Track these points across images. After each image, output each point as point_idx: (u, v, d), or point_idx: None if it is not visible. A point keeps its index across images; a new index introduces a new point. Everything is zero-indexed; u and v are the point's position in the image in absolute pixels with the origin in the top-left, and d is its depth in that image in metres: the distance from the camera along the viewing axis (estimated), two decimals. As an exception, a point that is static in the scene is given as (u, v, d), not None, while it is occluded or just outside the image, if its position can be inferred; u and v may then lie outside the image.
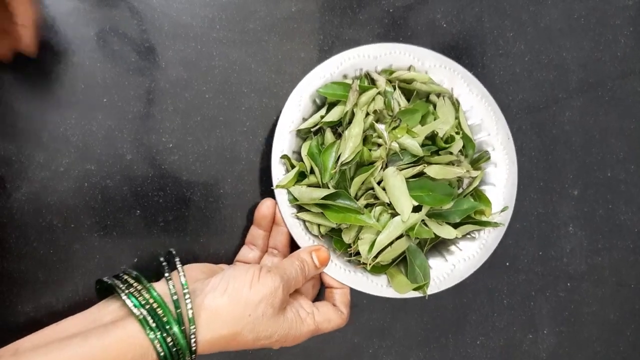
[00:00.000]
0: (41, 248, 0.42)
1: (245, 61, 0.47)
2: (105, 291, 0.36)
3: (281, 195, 0.42)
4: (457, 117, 0.45)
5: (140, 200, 0.44)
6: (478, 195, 0.46)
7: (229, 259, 0.45)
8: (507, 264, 0.52)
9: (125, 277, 0.35)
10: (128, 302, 0.32)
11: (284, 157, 0.42)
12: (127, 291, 0.33)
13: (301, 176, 0.43)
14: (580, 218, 0.54)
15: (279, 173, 0.42)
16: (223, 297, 0.34)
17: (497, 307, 0.51)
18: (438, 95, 0.46)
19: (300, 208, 0.43)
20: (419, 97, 0.46)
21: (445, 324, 0.50)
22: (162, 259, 0.37)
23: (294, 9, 0.49)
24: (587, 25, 0.56)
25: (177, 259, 0.36)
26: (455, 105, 0.46)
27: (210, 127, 0.46)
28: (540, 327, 0.52)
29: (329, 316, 0.40)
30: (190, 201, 0.45)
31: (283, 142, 0.43)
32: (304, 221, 0.43)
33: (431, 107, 0.45)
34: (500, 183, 0.46)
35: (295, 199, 0.42)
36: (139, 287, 0.33)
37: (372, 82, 0.45)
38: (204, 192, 0.45)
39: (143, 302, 0.32)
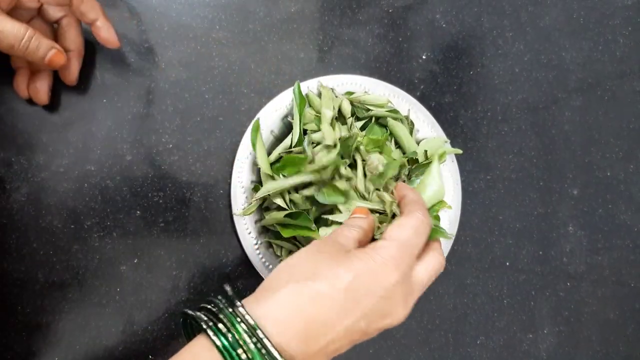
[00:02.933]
0: (41, 249, 0.42)
1: (245, 61, 0.47)
2: (190, 324, 0.32)
3: (241, 224, 0.43)
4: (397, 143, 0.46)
5: (140, 201, 0.44)
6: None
7: (229, 259, 0.45)
8: (507, 263, 0.52)
9: (214, 310, 0.29)
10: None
11: (255, 187, 0.43)
12: (220, 339, 0.27)
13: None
14: (579, 218, 0.54)
15: (239, 203, 0.43)
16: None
17: (497, 307, 0.51)
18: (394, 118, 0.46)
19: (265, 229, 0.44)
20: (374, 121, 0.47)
21: (445, 324, 0.50)
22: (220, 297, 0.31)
23: (293, 10, 0.49)
24: (586, 25, 0.56)
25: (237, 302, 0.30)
26: (410, 126, 0.47)
27: (210, 128, 0.46)
28: (540, 327, 0.52)
29: (395, 223, 0.33)
30: (190, 201, 0.45)
31: (242, 174, 0.43)
32: (269, 243, 0.44)
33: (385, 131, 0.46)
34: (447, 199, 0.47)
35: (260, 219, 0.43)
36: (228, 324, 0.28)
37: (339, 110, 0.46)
38: (204, 193, 0.45)
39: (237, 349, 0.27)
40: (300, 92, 0.44)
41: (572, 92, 0.55)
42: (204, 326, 0.27)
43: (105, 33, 0.40)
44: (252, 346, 0.26)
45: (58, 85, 0.43)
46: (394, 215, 0.38)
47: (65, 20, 0.41)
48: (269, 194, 0.41)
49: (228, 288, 0.30)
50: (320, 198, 0.40)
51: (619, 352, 0.54)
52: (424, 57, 0.51)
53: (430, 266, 0.33)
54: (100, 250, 0.43)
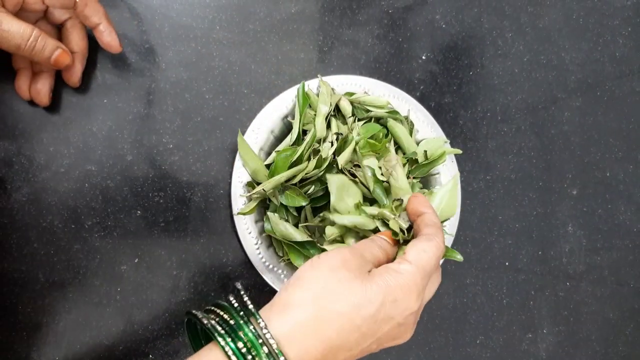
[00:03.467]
0: (42, 249, 0.42)
1: (245, 62, 0.47)
2: (195, 327, 0.31)
3: (241, 224, 0.43)
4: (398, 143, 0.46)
5: (140, 201, 0.44)
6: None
7: (229, 259, 0.45)
8: (507, 263, 0.52)
9: (221, 314, 0.28)
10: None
11: (249, 184, 0.43)
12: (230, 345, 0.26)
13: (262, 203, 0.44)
14: (579, 218, 0.54)
15: (239, 203, 0.43)
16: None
17: (497, 306, 0.51)
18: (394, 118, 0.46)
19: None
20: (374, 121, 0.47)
21: (445, 323, 0.50)
22: (231, 298, 0.30)
23: (293, 10, 0.49)
24: (586, 26, 0.56)
25: (246, 299, 0.29)
26: (410, 126, 0.47)
27: (210, 128, 0.46)
28: (540, 327, 0.52)
29: (419, 247, 0.32)
30: (191, 201, 0.45)
31: (242, 174, 0.43)
32: (269, 243, 0.44)
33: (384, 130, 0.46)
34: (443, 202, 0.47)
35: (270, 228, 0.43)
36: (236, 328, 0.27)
37: (339, 109, 0.46)
38: (204, 193, 0.45)
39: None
40: (304, 92, 0.44)
41: (572, 92, 0.55)
42: (221, 342, 0.26)
43: (108, 37, 0.41)
44: (263, 355, 0.26)
45: (59, 85, 0.43)
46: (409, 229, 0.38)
47: (69, 22, 0.41)
48: (266, 192, 0.42)
49: (241, 289, 0.29)
50: (283, 200, 0.41)
51: (619, 352, 0.54)
52: (423, 57, 0.52)
53: (434, 287, 0.34)
54: (101, 250, 0.43)
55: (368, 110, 0.46)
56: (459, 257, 0.38)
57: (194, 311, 0.29)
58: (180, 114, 0.45)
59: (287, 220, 0.42)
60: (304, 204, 0.41)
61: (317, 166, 0.42)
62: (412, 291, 0.30)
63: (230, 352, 0.26)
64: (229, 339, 0.26)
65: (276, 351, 0.26)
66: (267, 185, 0.41)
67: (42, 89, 0.41)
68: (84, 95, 0.44)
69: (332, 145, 0.43)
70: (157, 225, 0.44)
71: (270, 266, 0.43)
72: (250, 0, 0.48)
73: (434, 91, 0.51)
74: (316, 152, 0.43)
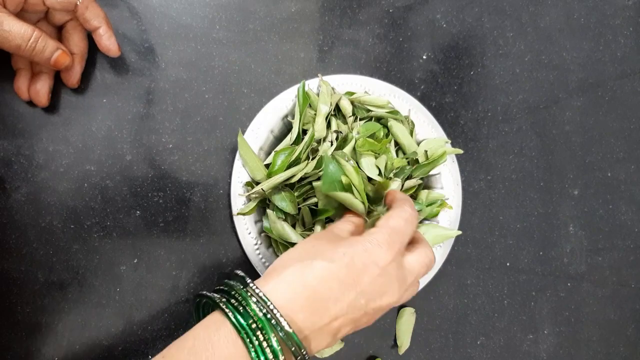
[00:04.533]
0: (41, 249, 0.42)
1: (245, 61, 0.47)
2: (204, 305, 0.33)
3: (240, 224, 0.43)
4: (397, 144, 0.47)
5: (140, 201, 0.44)
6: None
7: (229, 259, 0.45)
8: (508, 264, 0.52)
9: (232, 291, 0.30)
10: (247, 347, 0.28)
11: (248, 184, 0.43)
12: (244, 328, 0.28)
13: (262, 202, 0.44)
14: (580, 218, 0.54)
15: (239, 203, 0.43)
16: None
17: (498, 307, 0.51)
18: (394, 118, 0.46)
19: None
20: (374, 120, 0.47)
21: (445, 324, 0.50)
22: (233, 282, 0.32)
23: (293, 10, 0.49)
24: (587, 26, 0.56)
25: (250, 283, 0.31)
26: (410, 126, 0.47)
27: (210, 128, 0.46)
28: (541, 327, 0.52)
29: (386, 215, 0.35)
30: (190, 201, 0.45)
31: (242, 174, 0.43)
32: (269, 243, 0.44)
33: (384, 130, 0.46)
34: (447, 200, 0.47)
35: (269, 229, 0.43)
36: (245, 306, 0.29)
37: (339, 109, 0.45)
38: (204, 193, 0.45)
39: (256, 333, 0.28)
40: (304, 91, 0.44)
41: (573, 92, 0.55)
42: (217, 301, 0.29)
43: (107, 41, 0.41)
44: (261, 316, 0.28)
45: (58, 85, 0.43)
46: None
47: (70, 24, 0.41)
48: (265, 192, 0.41)
49: (240, 272, 0.32)
50: (277, 200, 0.41)
51: (620, 353, 0.53)
52: (424, 57, 0.51)
53: (421, 257, 0.35)
54: (100, 250, 0.43)
55: (368, 110, 0.46)
56: (449, 205, 0.44)
57: (201, 292, 0.32)
58: (180, 113, 0.45)
59: (284, 220, 0.42)
60: (292, 212, 0.41)
61: (316, 166, 0.41)
62: (382, 244, 0.32)
63: (224, 306, 0.29)
64: (224, 299, 0.30)
65: (262, 297, 0.29)
66: (266, 185, 0.41)
67: (42, 89, 0.41)
68: (83, 94, 0.44)
69: (332, 145, 0.43)
70: (157, 225, 0.44)
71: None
72: (250, 0, 0.48)
73: (435, 91, 0.51)
74: (315, 151, 0.43)
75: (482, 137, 0.52)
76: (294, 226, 0.43)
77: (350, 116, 0.45)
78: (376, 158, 0.43)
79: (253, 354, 0.27)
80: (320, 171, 0.42)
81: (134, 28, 0.45)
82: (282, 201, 0.41)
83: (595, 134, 0.55)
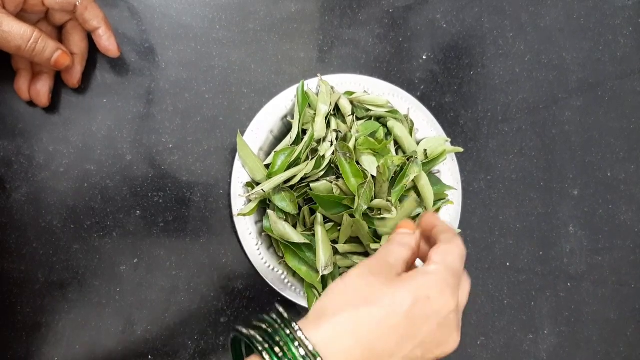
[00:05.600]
0: (41, 248, 0.42)
1: (245, 61, 0.47)
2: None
3: (241, 224, 0.43)
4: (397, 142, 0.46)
5: (140, 201, 0.44)
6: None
7: (229, 259, 0.45)
8: (508, 264, 0.52)
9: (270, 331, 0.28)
10: None
11: (248, 184, 0.43)
12: None
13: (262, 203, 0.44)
14: (580, 218, 0.54)
15: (239, 203, 0.43)
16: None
17: (498, 307, 0.51)
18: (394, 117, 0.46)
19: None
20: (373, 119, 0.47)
21: (445, 324, 0.50)
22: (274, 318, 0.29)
23: (293, 10, 0.49)
24: (587, 26, 0.56)
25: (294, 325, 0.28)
26: (410, 125, 0.47)
27: (210, 128, 0.46)
28: (541, 327, 0.52)
29: (441, 249, 0.31)
30: (190, 201, 0.45)
31: (242, 174, 0.43)
32: (269, 243, 0.44)
33: (383, 129, 0.46)
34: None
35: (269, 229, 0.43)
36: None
37: (338, 109, 0.45)
38: (204, 193, 0.45)
39: None
40: (304, 91, 0.44)
41: (573, 92, 0.55)
42: (259, 347, 0.26)
43: (106, 42, 0.41)
44: None
45: (59, 85, 0.43)
46: None
47: (70, 24, 0.41)
48: (265, 192, 0.41)
49: (281, 308, 0.29)
50: (277, 200, 0.41)
51: (620, 353, 0.53)
52: (424, 57, 0.51)
53: (466, 290, 0.33)
54: (100, 250, 0.43)
55: (368, 110, 0.46)
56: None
57: (239, 328, 0.29)
58: (180, 113, 0.45)
59: (285, 220, 0.42)
60: (292, 212, 0.41)
61: (316, 166, 0.41)
62: (444, 288, 0.29)
63: (267, 357, 0.26)
64: (267, 345, 0.26)
65: (313, 352, 0.25)
66: (266, 185, 0.41)
67: (42, 89, 0.41)
68: (84, 94, 0.44)
69: (331, 145, 0.43)
70: (157, 225, 0.44)
71: (271, 267, 0.43)
72: (250, 0, 0.48)
73: (435, 91, 0.51)
74: (314, 151, 0.43)
75: (482, 137, 0.52)
76: (294, 226, 0.43)
77: (349, 115, 0.45)
78: (376, 157, 0.43)
79: None
80: (320, 171, 0.42)
81: (134, 28, 0.45)
82: (283, 201, 0.41)
83: (595, 134, 0.55)
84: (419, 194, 0.45)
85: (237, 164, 0.43)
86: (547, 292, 0.52)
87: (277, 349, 0.26)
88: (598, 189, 0.54)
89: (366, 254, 0.43)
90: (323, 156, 0.42)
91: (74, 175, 0.43)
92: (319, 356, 0.25)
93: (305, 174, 0.41)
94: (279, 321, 0.28)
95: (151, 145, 0.45)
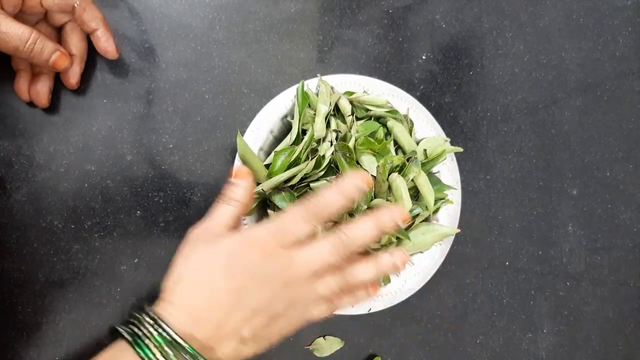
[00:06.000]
0: (41, 249, 0.42)
1: (245, 62, 0.47)
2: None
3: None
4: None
5: (140, 201, 0.44)
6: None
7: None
8: (507, 263, 0.52)
9: (144, 324, 0.32)
10: None
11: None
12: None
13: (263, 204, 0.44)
14: (579, 217, 0.54)
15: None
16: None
17: (497, 306, 0.51)
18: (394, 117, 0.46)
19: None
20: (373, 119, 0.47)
21: (445, 323, 0.50)
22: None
23: (293, 10, 0.49)
24: (586, 26, 0.56)
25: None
26: (409, 125, 0.47)
27: (210, 128, 0.46)
28: (540, 327, 0.52)
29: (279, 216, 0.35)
30: (191, 201, 0.45)
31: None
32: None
33: (383, 130, 0.46)
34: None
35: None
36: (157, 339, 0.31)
37: (338, 109, 0.46)
38: (204, 193, 0.45)
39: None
40: (303, 90, 0.44)
41: (572, 92, 0.55)
42: (118, 328, 0.31)
43: (104, 43, 0.41)
44: (156, 335, 0.30)
45: (59, 85, 0.43)
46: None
47: (69, 25, 0.41)
48: (265, 192, 0.42)
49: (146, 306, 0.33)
50: (278, 200, 0.41)
51: (619, 352, 0.54)
52: (423, 57, 0.51)
53: (313, 254, 0.34)
54: (101, 250, 0.43)
55: (367, 110, 0.46)
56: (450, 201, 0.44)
57: (112, 325, 0.33)
58: (180, 113, 0.45)
59: None
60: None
61: (316, 166, 0.41)
62: (253, 242, 0.33)
63: (123, 332, 0.31)
64: (124, 327, 0.31)
65: (152, 317, 0.31)
66: (266, 185, 0.41)
67: (42, 90, 0.41)
68: (84, 95, 0.44)
69: (331, 144, 0.43)
70: (157, 225, 0.44)
71: None
72: (250, 0, 0.48)
73: (434, 91, 0.51)
74: (314, 151, 0.43)
75: (481, 137, 0.52)
76: None
77: (349, 115, 0.45)
78: (376, 158, 0.43)
79: None
80: (320, 171, 0.42)
81: (134, 28, 0.45)
82: (283, 201, 0.42)
83: (594, 134, 0.55)
84: (418, 194, 0.45)
85: (237, 164, 0.43)
86: (546, 292, 0.52)
87: (131, 326, 0.31)
88: (597, 188, 0.54)
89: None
90: (323, 156, 0.42)
91: (74, 175, 0.43)
92: (159, 319, 0.31)
93: (305, 174, 0.41)
94: (139, 312, 0.32)
95: (151, 146, 0.45)
